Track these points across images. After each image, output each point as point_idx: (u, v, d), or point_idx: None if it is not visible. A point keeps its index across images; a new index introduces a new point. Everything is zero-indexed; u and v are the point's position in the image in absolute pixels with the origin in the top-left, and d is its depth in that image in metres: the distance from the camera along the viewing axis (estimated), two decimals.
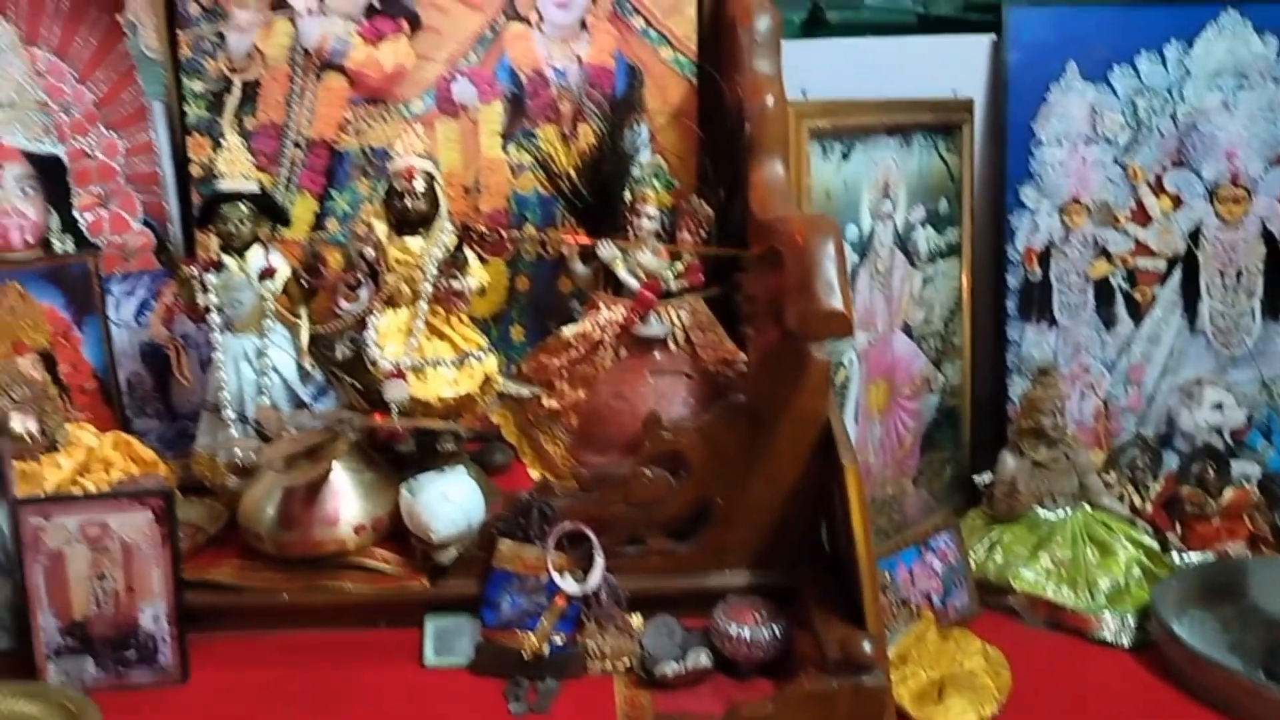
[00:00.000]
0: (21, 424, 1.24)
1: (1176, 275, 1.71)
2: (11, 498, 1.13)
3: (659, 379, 1.27)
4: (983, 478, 1.62)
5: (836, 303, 1.04)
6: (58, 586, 1.13)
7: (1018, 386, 1.72)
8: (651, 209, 1.42)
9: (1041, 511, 1.56)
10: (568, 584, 1.17)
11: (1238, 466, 1.67)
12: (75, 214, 1.45)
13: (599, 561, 1.17)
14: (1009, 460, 1.58)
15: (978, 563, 1.54)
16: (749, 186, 1.30)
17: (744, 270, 1.38)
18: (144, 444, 1.38)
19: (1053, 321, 1.73)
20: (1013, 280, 1.73)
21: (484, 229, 1.41)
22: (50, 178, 1.43)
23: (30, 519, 1.12)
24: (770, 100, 1.33)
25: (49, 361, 1.39)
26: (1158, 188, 1.70)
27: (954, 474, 1.73)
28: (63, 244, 1.44)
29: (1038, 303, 1.72)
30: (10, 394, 1.27)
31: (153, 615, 1.14)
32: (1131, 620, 1.44)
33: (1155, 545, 1.55)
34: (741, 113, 1.36)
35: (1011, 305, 1.73)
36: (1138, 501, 1.64)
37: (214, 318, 1.32)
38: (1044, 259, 1.72)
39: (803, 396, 1.15)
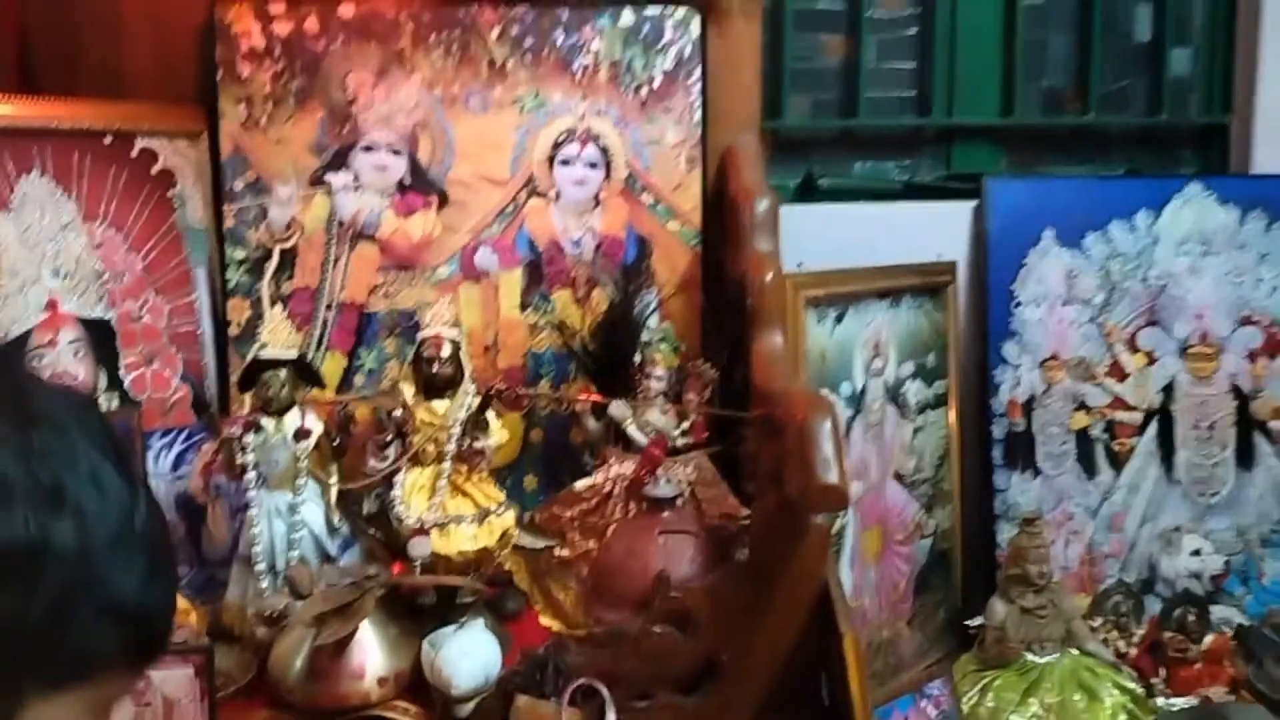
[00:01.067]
0: None
1: (1153, 427, 1.82)
2: None
3: (667, 538, 1.35)
4: (974, 622, 1.70)
5: (834, 479, 1.14)
6: None
7: (1006, 532, 1.80)
8: (659, 371, 1.52)
9: (1030, 656, 1.63)
10: None
11: (1217, 612, 1.75)
12: (121, 373, 1.55)
13: (611, 717, 1.24)
14: (998, 607, 1.66)
15: (970, 707, 1.60)
16: (751, 355, 1.41)
17: (746, 430, 1.48)
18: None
19: (1037, 470, 1.82)
20: (998, 430, 1.83)
21: (502, 386, 1.52)
22: (100, 340, 1.53)
23: None
24: (770, 276, 1.44)
25: None
26: (1132, 345, 1.81)
27: (947, 616, 1.80)
28: (109, 401, 1.53)
29: (1022, 452, 1.82)
30: None
31: None
32: None
33: (1140, 690, 1.62)
34: (743, 285, 1.48)
35: (997, 454, 1.83)
36: (1122, 646, 1.71)
37: (251, 476, 1.41)
38: (1027, 410, 1.82)
39: (802, 559, 1.23)
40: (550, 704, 1.25)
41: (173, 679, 1.19)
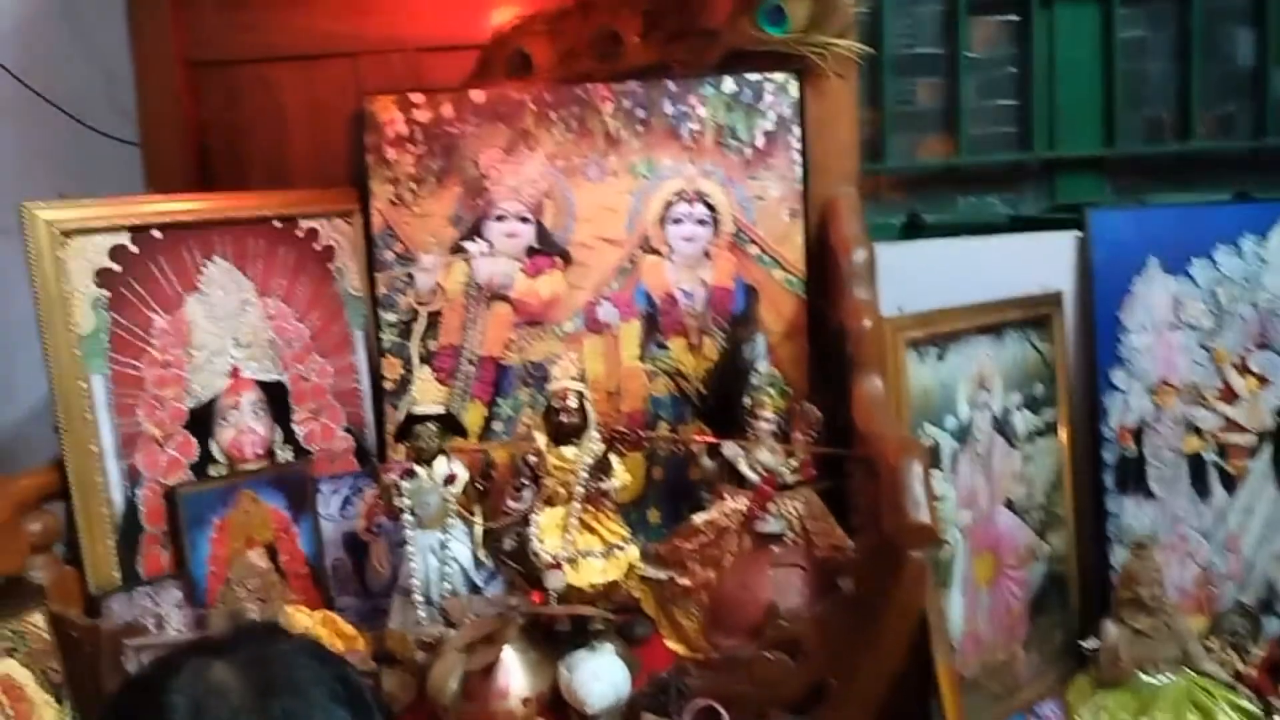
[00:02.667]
0: None
1: (1267, 449, 1.83)
2: None
3: (777, 571, 1.47)
4: (1088, 644, 1.75)
5: (924, 518, 1.24)
6: None
7: (1119, 555, 1.84)
8: (769, 413, 1.64)
9: (1145, 677, 1.67)
10: None
11: None
12: (294, 427, 1.76)
13: None
14: (1111, 629, 1.70)
15: None
16: (851, 398, 1.52)
17: (851, 467, 1.59)
18: (345, 619, 1.65)
19: (1150, 494, 1.86)
20: (1109, 456, 1.87)
21: (624, 429, 1.66)
22: (275, 400, 1.74)
23: None
24: (867, 322, 1.55)
25: (271, 553, 1.67)
26: (1243, 369, 1.83)
27: (1064, 638, 1.85)
28: (283, 453, 1.74)
29: (1134, 477, 1.86)
30: (246, 585, 1.56)
31: None
32: None
33: (1258, 710, 1.64)
34: (844, 331, 1.59)
35: (1109, 479, 1.87)
36: (1240, 667, 1.73)
37: (407, 518, 1.59)
38: (1137, 436, 1.86)
39: (901, 591, 1.33)
40: None
41: None
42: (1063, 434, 1.86)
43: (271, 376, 1.74)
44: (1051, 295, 1.87)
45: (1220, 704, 1.63)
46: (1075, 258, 1.91)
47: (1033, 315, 1.84)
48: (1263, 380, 1.83)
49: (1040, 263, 1.90)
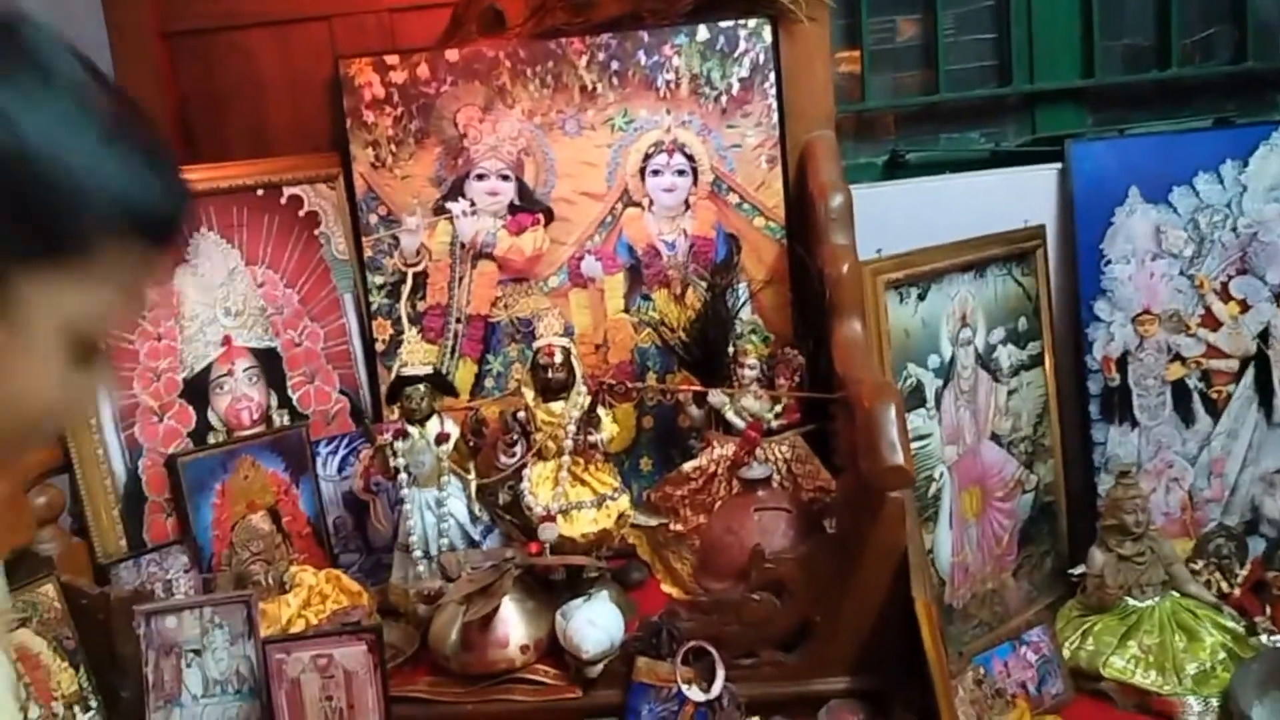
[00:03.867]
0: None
1: (1250, 373, 1.85)
2: (259, 638, 1.45)
3: (762, 514, 1.50)
4: (1075, 571, 1.79)
5: (899, 460, 1.27)
6: (295, 707, 1.43)
7: (1106, 483, 1.87)
8: (752, 360, 1.66)
9: (1131, 601, 1.71)
10: (694, 693, 1.40)
11: None
12: (288, 392, 1.80)
13: (720, 673, 1.40)
14: (1097, 555, 1.73)
15: (1071, 651, 1.70)
16: (831, 343, 1.54)
17: (834, 410, 1.61)
18: (349, 576, 1.70)
19: (1134, 422, 1.88)
20: (1094, 386, 1.89)
21: (612, 381, 1.70)
22: (268, 366, 1.78)
23: (275, 655, 1.43)
24: (846, 267, 1.56)
25: (274, 515, 1.72)
26: (1225, 294, 1.84)
27: (1054, 565, 1.89)
28: (280, 418, 1.78)
29: (1119, 406, 1.88)
30: (250, 548, 1.61)
31: None
32: (1216, 703, 1.58)
33: (1241, 629, 1.68)
34: (823, 277, 1.60)
35: (1095, 409, 1.89)
36: (1225, 588, 1.76)
37: (403, 477, 1.63)
38: (1121, 365, 1.88)
39: (881, 530, 1.37)
40: (667, 664, 1.43)
41: (350, 654, 1.42)
42: (1047, 366, 1.88)
43: (264, 343, 1.77)
44: (1034, 229, 1.88)
45: (1205, 624, 1.67)
46: (1057, 191, 1.91)
47: (1016, 250, 1.85)
48: (1244, 305, 1.84)
49: (1022, 197, 1.90)
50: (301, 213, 1.82)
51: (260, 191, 1.78)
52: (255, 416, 1.75)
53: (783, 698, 1.42)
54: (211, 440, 1.71)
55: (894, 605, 1.40)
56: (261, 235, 1.77)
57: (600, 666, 1.46)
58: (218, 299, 1.73)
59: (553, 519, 1.58)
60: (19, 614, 1.41)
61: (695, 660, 1.42)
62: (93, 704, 1.44)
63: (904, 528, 1.37)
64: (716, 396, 1.66)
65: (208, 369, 1.72)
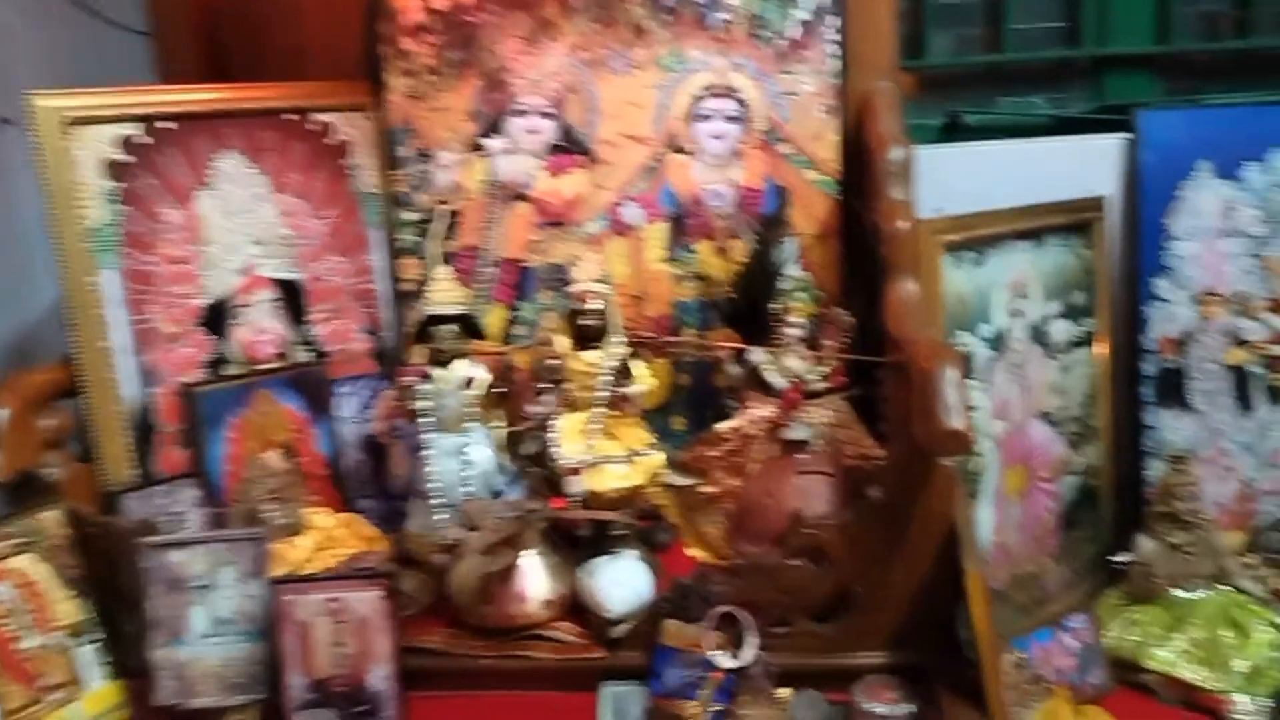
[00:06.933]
0: None
1: None
2: (269, 579, 1.39)
3: (803, 478, 1.44)
4: (1120, 558, 1.71)
5: (957, 424, 1.19)
6: (305, 651, 1.37)
7: (1155, 470, 1.79)
8: (797, 318, 1.58)
9: (1178, 592, 1.64)
10: (724, 660, 1.33)
11: None
12: (310, 328, 1.73)
13: (751, 640, 1.34)
14: (1145, 544, 1.66)
15: (1114, 640, 1.62)
16: (884, 302, 1.46)
17: (882, 374, 1.54)
18: (366, 521, 1.64)
19: (1189, 407, 1.80)
20: (1149, 368, 1.80)
21: (648, 335, 1.62)
22: (290, 299, 1.71)
23: (284, 596, 1.37)
24: (903, 224, 1.48)
25: (289, 453, 1.65)
26: None
27: (1095, 551, 1.81)
28: (300, 354, 1.71)
29: (1174, 389, 1.80)
30: (264, 486, 1.54)
31: (380, 676, 1.37)
32: (1267, 702, 1.50)
33: None
34: (878, 233, 1.52)
35: (1148, 391, 1.81)
36: (1277, 583, 1.69)
37: (425, 420, 1.56)
38: (1180, 347, 1.79)
39: (931, 499, 1.30)
40: (695, 628, 1.36)
41: (364, 600, 1.36)
42: (1102, 344, 1.79)
43: (287, 275, 1.70)
44: (1094, 200, 1.79)
45: (1256, 620, 1.59)
46: (1122, 161, 1.82)
47: (1075, 220, 1.76)
48: None
49: (1085, 166, 1.81)
50: (331, 141, 1.74)
51: (290, 116, 1.70)
52: (274, 350, 1.68)
53: (816, 669, 1.35)
54: (227, 372, 1.64)
55: (938, 579, 1.33)
56: (289, 162, 1.70)
57: (625, 627, 1.40)
58: (241, 225, 1.66)
59: (579, 472, 1.50)
60: (21, 539, 1.35)
61: (726, 626, 1.36)
62: (95, 636, 1.38)
63: (955, 497, 1.30)
64: (758, 355, 1.58)
65: (228, 298, 1.65)
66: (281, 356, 1.70)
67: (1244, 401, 1.78)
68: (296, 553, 1.53)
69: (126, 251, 1.56)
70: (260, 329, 1.67)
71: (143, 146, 1.58)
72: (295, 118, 1.70)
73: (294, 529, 1.54)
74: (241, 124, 1.66)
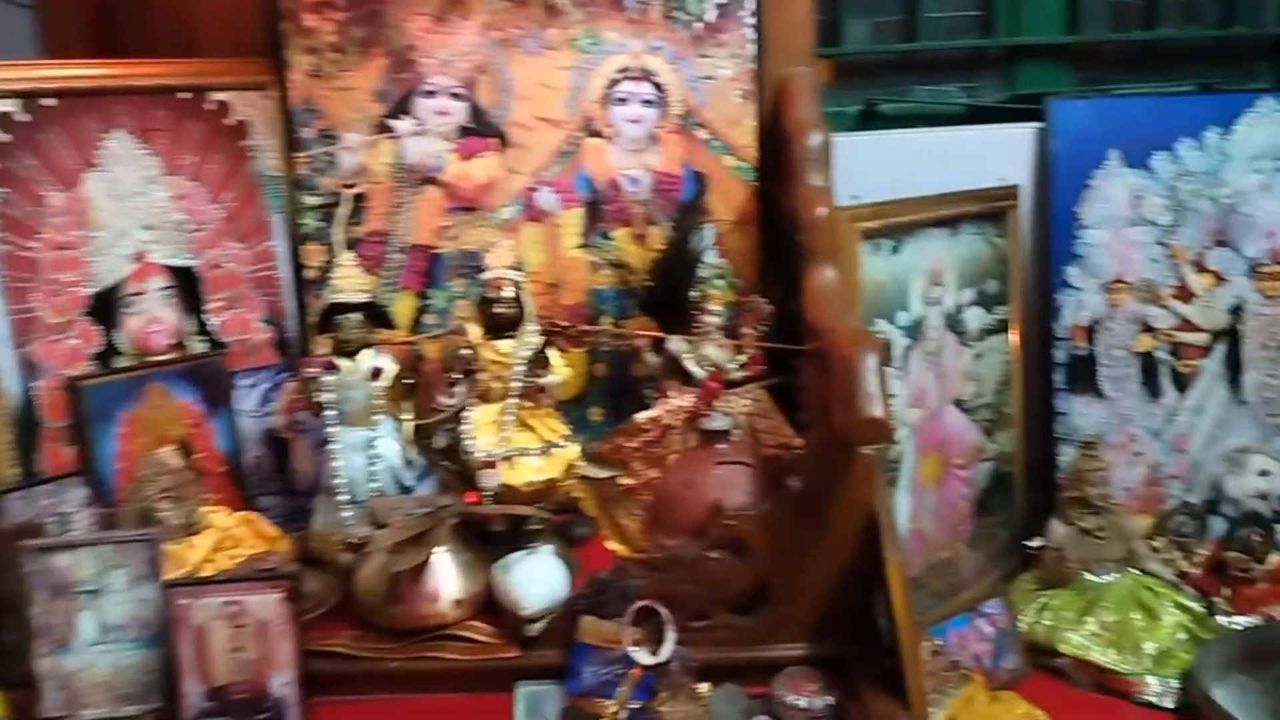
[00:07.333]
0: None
1: (1220, 348, 1.79)
2: (162, 581, 1.31)
3: (722, 468, 1.41)
4: (1033, 543, 1.72)
5: (878, 412, 1.17)
6: (202, 657, 1.30)
7: (1067, 455, 1.81)
8: (716, 306, 1.56)
9: (1090, 576, 1.66)
10: (642, 656, 1.30)
11: None
12: (207, 317, 1.64)
13: (670, 635, 1.30)
14: (1057, 528, 1.67)
15: (1028, 625, 1.63)
16: (803, 290, 1.44)
17: (801, 363, 1.52)
18: (267, 520, 1.57)
19: (1099, 393, 1.82)
20: (1060, 354, 1.82)
21: (564, 324, 1.58)
22: (186, 287, 1.62)
23: (179, 599, 1.30)
24: (821, 211, 1.46)
25: (185, 450, 1.57)
26: (1200, 266, 1.79)
27: (1008, 537, 1.83)
28: (195, 345, 1.63)
29: (1085, 376, 1.82)
30: (157, 484, 1.46)
31: (281, 682, 1.30)
32: (1175, 683, 1.53)
33: (1201, 609, 1.63)
34: (796, 220, 1.50)
35: (1060, 378, 1.83)
36: (1185, 566, 1.72)
37: (330, 413, 1.50)
38: (1090, 334, 1.81)
39: (851, 488, 1.28)
40: (613, 624, 1.32)
41: (264, 602, 1.29)
42: (1014, 332, 1.80)
43: (181, 261, 1.62)
44: (1009, 189, 1.80)
45: (1164, 602, 1.62)
46: (1034, 150, 1.84)
47: (990, 209, 1.77)
48: (1219, 278, 1.78)
49: (998, 155, 1.82)
50: (229, 121, 1.66)
51: (184, 94, 1.61)
52: (168, 341, 1.60)
53: (737, 663, 1.33)
54: (117, 364, 1.55)
55: (857, 568, 1.32)
56: (183, 143, 1.61)
57: (541, 625, 1.36)
58: (131, 209, 1.57)
59: (494, 465, 1.46)
60: None
61: (644, 621, 1.32)
62: None
63: (875, 486, 1.29)
64: (676, 343, 1.55)
65: (117, 286, 1.56)
66: (176, 347, 1.61)
67: (1152, 388, 1.81)
68: (193, 554, 1.46)
69: (5, 236, 1.46)
70: (153, 319, 1.58)
71: (23, 124, 1.49)
72: (190, 96, 1.62)
73: (190, 529, 1.47)
74: (132, 102, 1.56)
